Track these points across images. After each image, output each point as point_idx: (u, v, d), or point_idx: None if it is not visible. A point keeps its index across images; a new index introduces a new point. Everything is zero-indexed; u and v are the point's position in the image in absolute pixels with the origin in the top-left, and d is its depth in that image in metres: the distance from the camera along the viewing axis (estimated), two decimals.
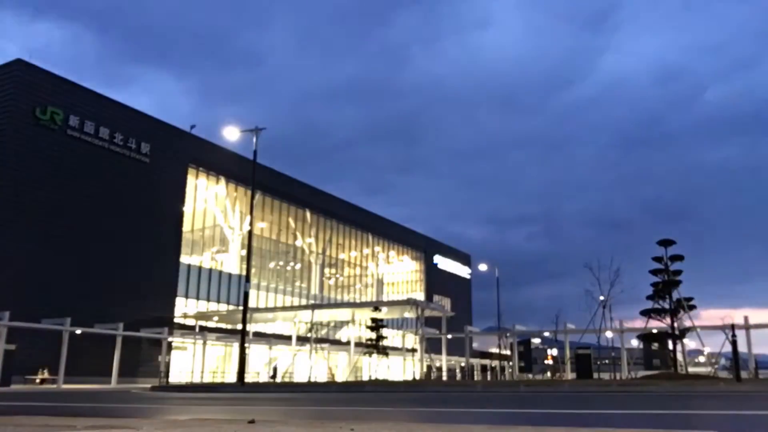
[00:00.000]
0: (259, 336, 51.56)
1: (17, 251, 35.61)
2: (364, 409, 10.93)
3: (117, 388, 29.49)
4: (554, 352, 52.18)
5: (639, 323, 35.40)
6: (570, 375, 41.79)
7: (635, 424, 7.30)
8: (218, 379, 46.35)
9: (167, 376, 39.59)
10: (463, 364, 57.97)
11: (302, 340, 50.81)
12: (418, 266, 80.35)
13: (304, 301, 59.90)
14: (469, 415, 9.40)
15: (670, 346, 31.39)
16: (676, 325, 30.37)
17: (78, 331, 33.10)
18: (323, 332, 58.03)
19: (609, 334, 42.65)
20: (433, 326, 55.50)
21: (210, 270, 51.76)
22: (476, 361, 69.17)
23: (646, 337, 34.44)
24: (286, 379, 47.86)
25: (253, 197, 31.50)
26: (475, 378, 58.05)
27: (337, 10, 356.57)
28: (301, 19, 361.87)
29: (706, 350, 63.87)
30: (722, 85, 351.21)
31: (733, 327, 28.62)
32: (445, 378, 51.92)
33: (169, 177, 45.68)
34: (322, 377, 52.90)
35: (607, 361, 50.25)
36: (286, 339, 53.64)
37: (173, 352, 43.19)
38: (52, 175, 37.88)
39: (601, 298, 36.66)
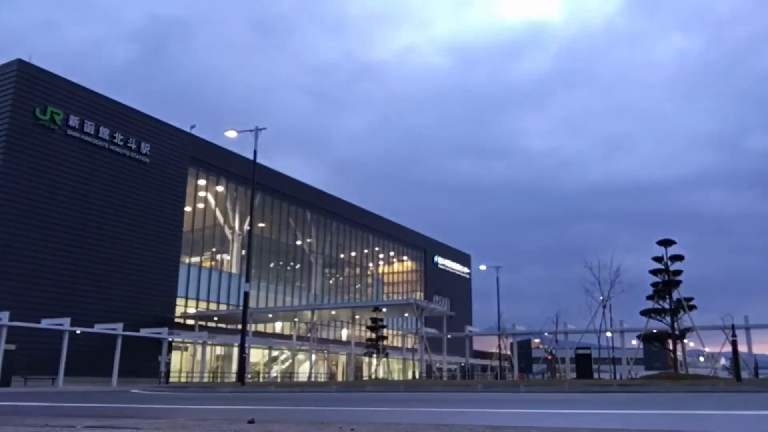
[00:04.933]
0: (259, 336, 51.60)
1: (17, 251, 35.62)
2: (364, 409, 10.93)
3: (117, 389, 29.48)
4: (554, 352, 52.16)
5: (639, 323, 35.40)
6: (570, 375, 41.80)
7: (635, 424, 7.30)
8: (218, 379, 46.40)
9: (167, 376, 39.61)
10: (463, 364, 58.01)
11: (302, 339, 50.84)
12: (418, 266, 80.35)
13: (304, 301, 59.91)
14: (469, 415, 9.40)
15: (670, 346, 31.41)
16: (676, 325, 30.38)
17: (78, 331, 33.10)
18: (323, 332, 58.04)
19: (609, 334, 42.67)
20: (433, 326, 55.52)
21: (210, 270, 51.77)
22: (476, 362, 69.28)
23: (646, 337, 34.45)
24: (287, 379, 47.89)
25: (253, 197, 31.49)
26: (475, 378, 58.08)
27: None
28: None
29: (706, 350, 63.87)
30: None
31: (733, 327, 28.63)
32: (445, 378, 51.97)
33: (169, 177, 45.68)
34: (322, 377, 52.97)
35: (607, 362, 50.24)
36: (286, 339, 53.71)
37: (173, 352, 43.20)
38: (52, 175, 37.87)
39: (601, 298, 36.71)
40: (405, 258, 79.70)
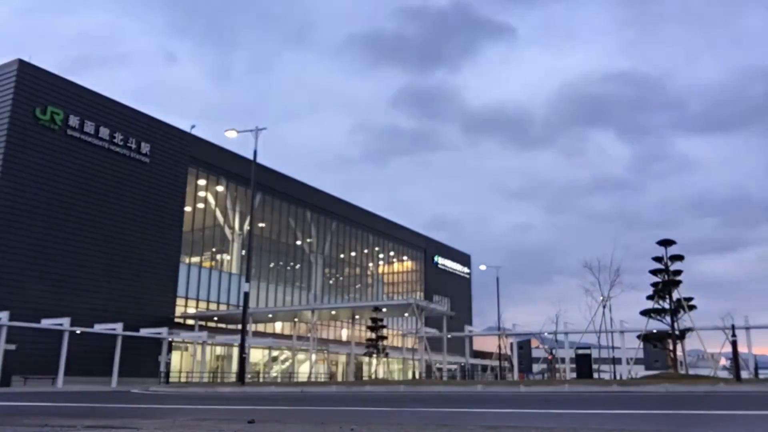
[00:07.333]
0: (259, 336, 51.60)
1: (17, 251, 35.61)
2: (364, 409, 10.93)
3: (117, 388, 29.50)
4: (554, 352, 52.20)
5: (639, 323, 35.40)
6: (570, 375, 41.80)
7: (635, 425, 7.30)
8: (218, 379, 46.40)
9: (167, 376, 39.62)
10: (462, 364, 58.02)
11: (302, 339, 50.83)
12: (418, 266, 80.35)
13: (304, 301, 59.90)
14: (470, 414, 9.40)
15: (670, 346, 31.44)
16: (676, 325, 30.40)
17: (78, 331, 33.10)
18: (323, 332, 58.05)
19: (609, 334, 42.62)
20: (433, 326, 55.51)
21: (210, 270, 51.76)
22: (476, 362, 69.27)
23: (646, 337, 34.46)
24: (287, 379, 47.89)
25: (253, 197, 31.48)
26: (475, 378, 58.10)
27: None
28: None
29: (707, 350, 63.81)
30: None
31: (733, 327, 28.63)
32: (444, 378, 51.97)
33: (169, 177, 45.66)
34: (322, 377, 52.97)
35: (607, 362, 50.26)
36: (286, 339, 53.71)
37: (173, 352, 43.19)
38: (52, 175, 37.85)
39: (601, 298, 36.72)
40: (405, 258, 79.68)
